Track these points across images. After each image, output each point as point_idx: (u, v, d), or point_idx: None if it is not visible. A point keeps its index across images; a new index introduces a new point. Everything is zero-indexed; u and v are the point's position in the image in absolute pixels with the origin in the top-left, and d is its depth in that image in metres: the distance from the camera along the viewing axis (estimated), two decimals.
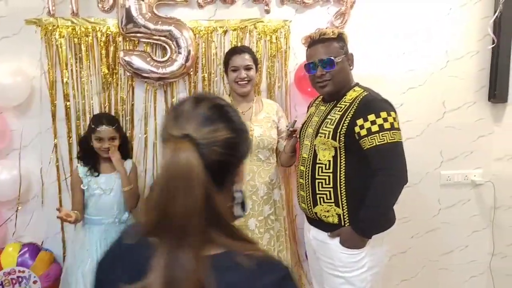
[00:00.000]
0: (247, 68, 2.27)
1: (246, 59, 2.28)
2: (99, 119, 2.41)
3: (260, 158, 2.27)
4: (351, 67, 1.98)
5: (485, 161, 2.86)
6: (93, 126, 2.35)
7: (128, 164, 2.49)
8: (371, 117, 1.80)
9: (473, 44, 2.73)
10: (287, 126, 2.21)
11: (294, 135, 2.19)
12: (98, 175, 2.38)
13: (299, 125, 2.20)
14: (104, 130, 2.34)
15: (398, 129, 1.84)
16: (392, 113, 1.84)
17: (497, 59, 2.65)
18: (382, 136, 1.78)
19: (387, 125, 1.79)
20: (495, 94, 2.69)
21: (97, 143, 2.34)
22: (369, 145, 1.80)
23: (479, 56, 2.74)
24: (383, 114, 1.80)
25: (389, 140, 1.78)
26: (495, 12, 2.63)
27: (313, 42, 1.96)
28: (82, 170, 2.39)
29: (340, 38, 1.95)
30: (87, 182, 2.37)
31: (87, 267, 2.32)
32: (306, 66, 1.98)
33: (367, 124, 1.80)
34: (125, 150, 2.50)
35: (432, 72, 2.74)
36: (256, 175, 2.25)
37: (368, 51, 2.65)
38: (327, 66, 1.91)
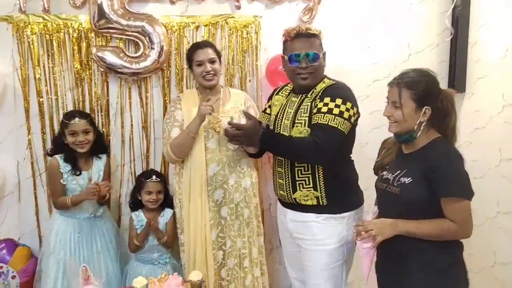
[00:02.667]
0: (212, 61, 2.33)
1: (209, 52, 2.33)
2: (71, 113, 2.45)
3: (229, 149, 2.35)
4: (325, 65, 2.10)
5: None
6: (66, 121, 2.38)
7: (102, 159, 2.53)
8: (327, 99, 1.94)
9: (433, 37, 2.88)
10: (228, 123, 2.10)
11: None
12: (79, 174, 2.41)
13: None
14: (77, 123, 2.37)
15: (347, 119, 1.91)
16: (348, 104, 1.93)
17: (455, 52, 2.81)
18: (326, 117, 1.90)
19: (336, 111, 1.90)
20: (454, 85, 2.84)
21: (71, 138, 2.37)
22: (313, 121, 1.94)
23: (438, 49, 2.89)
24: (338, 101, 1.92)
25: (331, 123, 1.89)
26: (452, 6, 2.78)
27: (298, 35, 2.03)
28: (63, 164, 2.40)
29: (319, 36, 2.06)
30: (66, 178, 2.40)
31: (60, 257, 2.37)
32: (290, 57, 2.04)
33: (320, 105, 1.94)
34: (101, 145, 2.54)
35: (396, 64, 2.85)
36: (226, 165, 2.33)
37: (335, 45, 2.73)
38: (312, 60, 2.01)
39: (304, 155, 1.94)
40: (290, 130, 2.06)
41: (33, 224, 2.70)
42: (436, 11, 2.85)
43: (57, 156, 2.43)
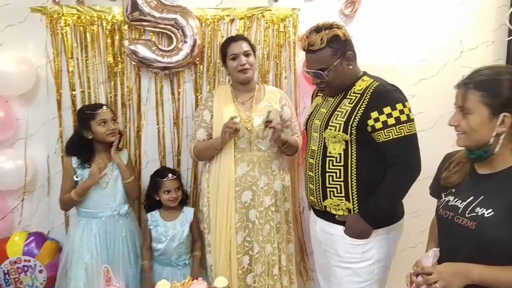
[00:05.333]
0: (246, 54, 2.23)
1: (244, 46, 2.23)
2: (94, 105, 2.42)
3: (261, 148, 2.23)
4: (351, 66, 1.86)
5: None
6: (93, 112, 2.31)
7: (124, 155, 2.46)
8: (387, 109, 1.74)
9: (489, 34, 2.64)
10: (263, 119, 2.13)
11: (268, 126, 2.09)
12: (90, 167, 2.33)
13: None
14: (106, 111, 2.33)
15: (413, 120, 1.79)
16: (407, 104, 1.79)
17: None
18: (399, 129, 1.74)
19: (403, 118, 1.75)
20: None
21: (101, 128, 2.30)
22: (385, 138, 1.76)
23: (494, 46, 2.65)
24: (399, 106, 1.75)
25: (406, 132, 1.75)
26: (511, 1, 2.54)
27: (304, 50, 1.89)
28: (75, 160, 2.35)
29: (333, 42, 1.81)
30: (81, 173, 2.34)
31: (86, 261, 2.30)
32: (304, 71, 1.94)
33: (383, 117, 1.74)
34: (120, 138, 2.47)
35: (446, 62, 2.65)
36: (257, 165, 2.22)
37: (380, 40, 2.58)
38: (317, 78, 1.87)
39: (409, 183, 1.81)
40: (321, 132, 1.90)
41: (62, 218, 2.67)
42: (493, 5, 2.63)
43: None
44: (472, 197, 1.34)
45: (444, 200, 1.45)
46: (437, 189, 1.55)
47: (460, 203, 1.37)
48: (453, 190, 1.43)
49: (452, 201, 1.40)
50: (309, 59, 1.89)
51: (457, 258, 1.34)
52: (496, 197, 1.30)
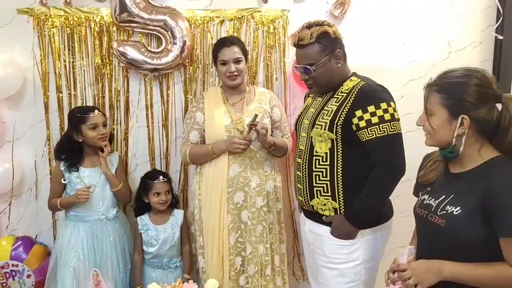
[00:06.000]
0: (237, 61, 2.21)
1: (235, 51, 2.21)
2: (86, 108, 2.39)
3: (252, 149, 2.21)
4: (339, 64, 1.87)
5: None
6: (84, 115, 2.28)
7: (114, 157, 2.44)
8: (371, 108, 1.75)
9: (476, 34, 2.66)
10: (250, 121, 2.12)
11: (253, 129, 2.10)
12: (77, 171, 2.32)
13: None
14: (97, 115, 2.31)
15: (398, 119, 1.80)
16: (392, 103, 1.80)
17: (501, 50, 2.59)
18: (383, 128, 1.74)
19: (387, 117, 1.75)
20: (498, 86, 2.62)
21: (92, 132, 2.28)
22: (368, 137, 1.76)
23: (482, 47, 2.67)
24: (383, 105, 1.76)
25: (390, 131, 1.75)
26: (498, 1, 2.57)
27: (294, 45, 1.91)
28: (63, 163, 2.34)
29: (322, 38, 1.83)
30: (68, 176, 2.32)
31: (73, 265, 2.28)
32: (294, 67, 1.95)
33: (367, 116, 1.75)
34: (111, 140, 2.46)
35: (434, 63, 2.66)
36: (248, 166, 2.21)
37: (368, 41, 2.59)
38: (306, 74, 1.89)
39: (392, 183, 1.80)
40: (309, 131, 1.91)
41: (50, 222, 2.64)
42: (480, 6, 2.64)
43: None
44: (444, 196, 1.38)
45: (421, 199, 1.49)
46: (416, 188, 1.59)
47: (434, 202, 1.41)
48: (429, 189, 1.47)
49: (427, 199, 1.45)
50: (298, 54, 1.91)
51: (431, 255, 1.39)
52: (464, 196, 1.33)
